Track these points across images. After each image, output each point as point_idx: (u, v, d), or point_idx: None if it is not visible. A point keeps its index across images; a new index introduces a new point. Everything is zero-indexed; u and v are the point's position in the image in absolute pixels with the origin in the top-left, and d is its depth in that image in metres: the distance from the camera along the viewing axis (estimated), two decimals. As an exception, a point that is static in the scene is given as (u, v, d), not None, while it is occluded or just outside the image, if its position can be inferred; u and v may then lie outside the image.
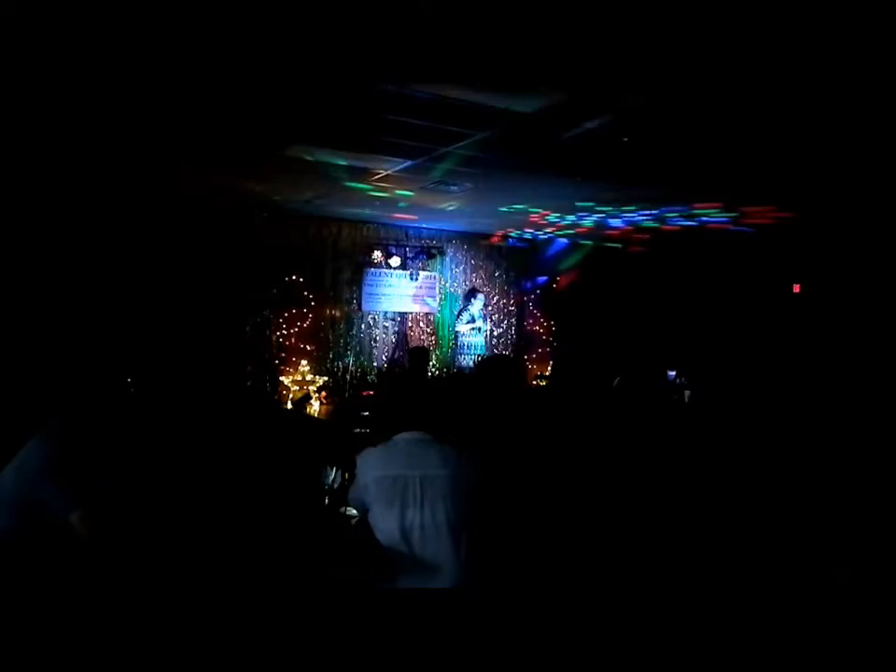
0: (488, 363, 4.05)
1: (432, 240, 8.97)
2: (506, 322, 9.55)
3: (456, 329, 8.31)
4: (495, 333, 9.41)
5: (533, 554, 2.68)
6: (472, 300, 8.36)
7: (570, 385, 4.37)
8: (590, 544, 2.80)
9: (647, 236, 8.37)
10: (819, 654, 2.41)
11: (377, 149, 4.91)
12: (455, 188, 6.19)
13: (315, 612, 2.33)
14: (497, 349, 9.25)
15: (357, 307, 8.47)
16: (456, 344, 8.43)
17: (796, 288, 8.06)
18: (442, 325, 9.08)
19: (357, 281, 8.43)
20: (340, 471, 3.14)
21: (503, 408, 3.42)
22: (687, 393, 5.93)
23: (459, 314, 8.38)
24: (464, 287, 9.18)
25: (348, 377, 7.90)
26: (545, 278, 9.77)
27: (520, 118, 4.10)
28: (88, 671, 2.12)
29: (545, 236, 9.14)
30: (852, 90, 3.59)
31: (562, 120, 4.16)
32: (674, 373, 6.57)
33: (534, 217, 7.75)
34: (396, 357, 8.40)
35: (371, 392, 7.10)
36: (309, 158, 5.15)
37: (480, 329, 8.34)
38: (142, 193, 6.63)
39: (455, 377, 6.71)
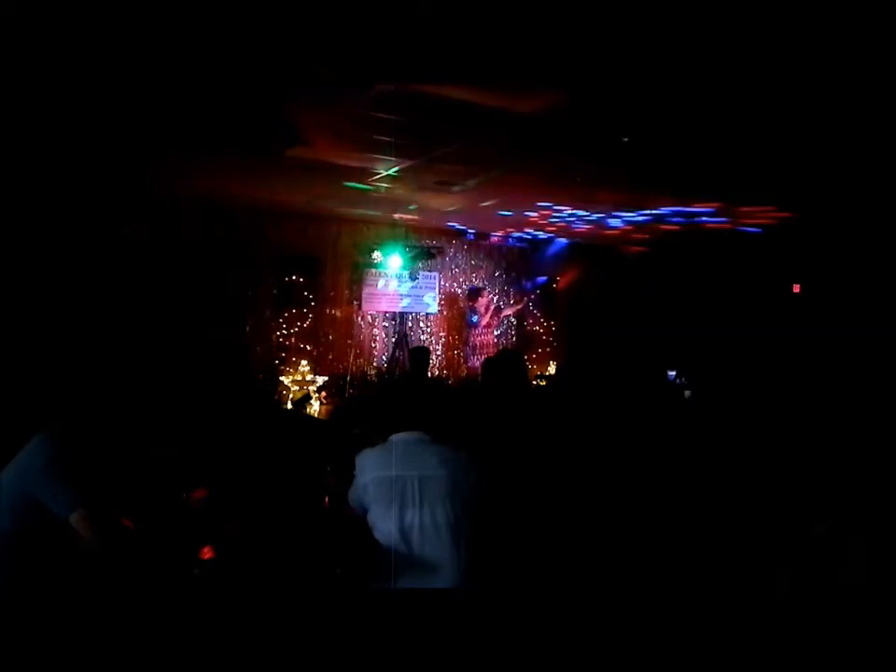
0: (497, 358, 4.06)
1: (432, 240, 8.97)
2: (506, 322, 9.56)
3: (472, 321, 8.33)
4: (496, 333, 9.42)
5: (533, 554, 2.68)
6: (478, 298, 8.39)
7: (571, 386, 4.37)
8: (590, 544, 2.80)
9: (646, 236, 8.38)
10: (822, 654, 2.41)
11: (377, 149, 4.91)
12: (456, 187, 6.19)
13: (314, 612, 2.33)
14: (498, 349, 9.27)
15: (357, 307, 8.47)
16: (467, 345, 8.44)
17: (796, 288, 8.07)
18: (440, 324, 9.09)
19: (356, 281, 8.44)
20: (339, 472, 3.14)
21: (508, 405, 3.42)
22: (687, 393, 5.93)
23: (469, 314, 8.42)
24: (464, 287, 9.19)
25: (348, 377, 7.90)
26: (545, 278, 9.78)
27: (520, 118, 4.10)
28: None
29: (545, 236, 9.15)
30: (852, 90, 3.59)
31: (562, 120, 4.17)
32: (674, 373, 6.57)
33: (534, 217, 7.76)
34: (396, 356, 8.40)
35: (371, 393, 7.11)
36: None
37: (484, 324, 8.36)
38: (143, 194, 6.64)
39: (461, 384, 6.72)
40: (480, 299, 8.43)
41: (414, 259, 8.54)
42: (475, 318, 8.37)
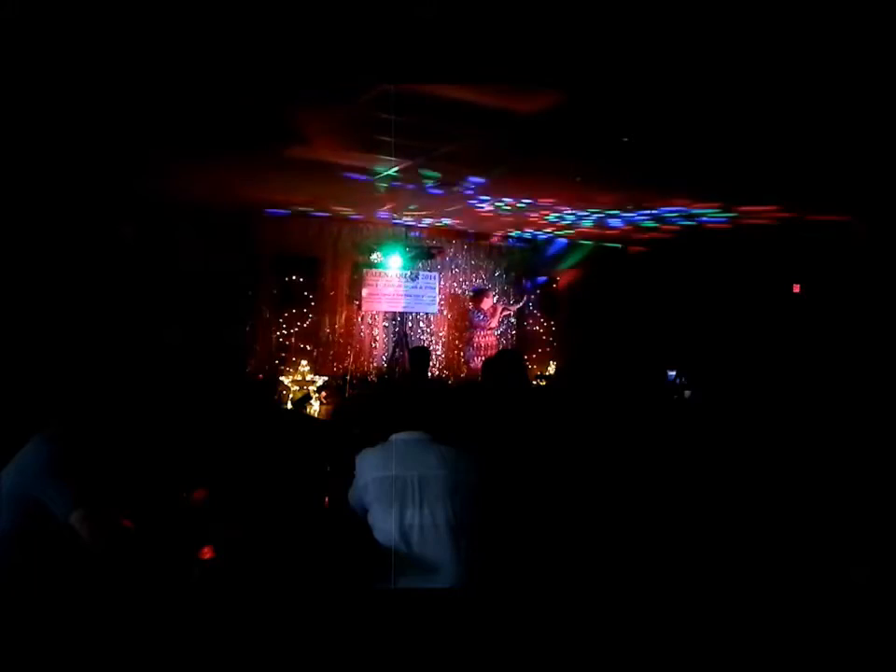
0: (497, 358, 4.06)
1: (432, 240, 8.97)
2: (506, 322, 9.56)
3: (479, 324, 8.32)
4: (496, 333, 9.43)
5: (533, 554, 2.68)
6: (483, 298, 8.40)
7: (571, 385, 4.38)
8: (590, 544, 2.80)
9: (647, 236, 8.38)
10: (827, 655, 2.41)
11: (377, 149, 4.91)
12: (456, 188, 6.19)
13: (315, 612, 2.33)
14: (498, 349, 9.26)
15: (357, 307, 8.47)
16: (470, 346, 8.43)
17: (796, 288, 8.07)
18: (440, 324, 9.09)
19: (356, 281, 8.43)
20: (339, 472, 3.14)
21: (508, 405, 3.42)
22: (687, 393, 5.93)
23: (476, 315, 8.41)
24: (464, 287, 9.18)
25: (348, 377, 7.89)
26: (545, 278, 9.78)
27: (520, 118, 4.10)
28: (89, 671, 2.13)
29: (545, 236, 9.14)
30: (851, 86, 3.59)
31: (562, 120, 4.17)
32: (674, 373, 6.57)
33: (534, 217, 7.76)
34: (396, 356, 8.40)
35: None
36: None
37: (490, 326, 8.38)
38: (142, 193, 6.64)
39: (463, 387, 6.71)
40: (485, 299, 8.44)
41: (414, 259, 8.54)
42: (481, 318, 8.37)
